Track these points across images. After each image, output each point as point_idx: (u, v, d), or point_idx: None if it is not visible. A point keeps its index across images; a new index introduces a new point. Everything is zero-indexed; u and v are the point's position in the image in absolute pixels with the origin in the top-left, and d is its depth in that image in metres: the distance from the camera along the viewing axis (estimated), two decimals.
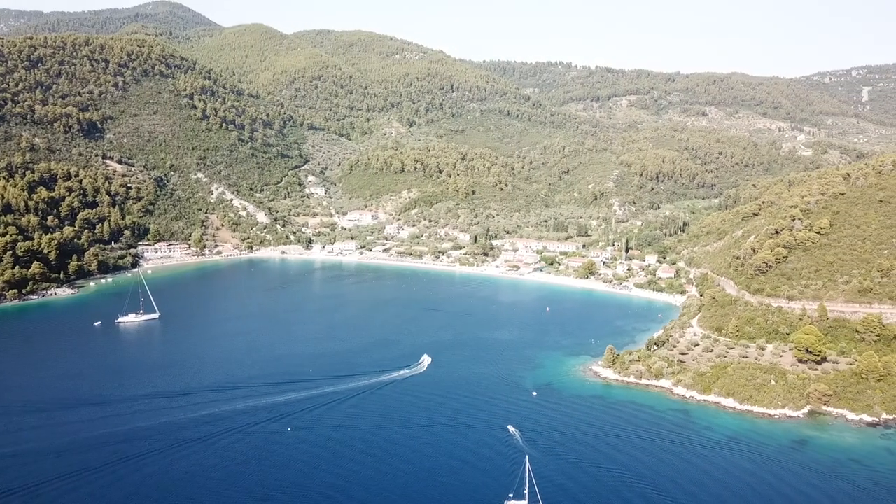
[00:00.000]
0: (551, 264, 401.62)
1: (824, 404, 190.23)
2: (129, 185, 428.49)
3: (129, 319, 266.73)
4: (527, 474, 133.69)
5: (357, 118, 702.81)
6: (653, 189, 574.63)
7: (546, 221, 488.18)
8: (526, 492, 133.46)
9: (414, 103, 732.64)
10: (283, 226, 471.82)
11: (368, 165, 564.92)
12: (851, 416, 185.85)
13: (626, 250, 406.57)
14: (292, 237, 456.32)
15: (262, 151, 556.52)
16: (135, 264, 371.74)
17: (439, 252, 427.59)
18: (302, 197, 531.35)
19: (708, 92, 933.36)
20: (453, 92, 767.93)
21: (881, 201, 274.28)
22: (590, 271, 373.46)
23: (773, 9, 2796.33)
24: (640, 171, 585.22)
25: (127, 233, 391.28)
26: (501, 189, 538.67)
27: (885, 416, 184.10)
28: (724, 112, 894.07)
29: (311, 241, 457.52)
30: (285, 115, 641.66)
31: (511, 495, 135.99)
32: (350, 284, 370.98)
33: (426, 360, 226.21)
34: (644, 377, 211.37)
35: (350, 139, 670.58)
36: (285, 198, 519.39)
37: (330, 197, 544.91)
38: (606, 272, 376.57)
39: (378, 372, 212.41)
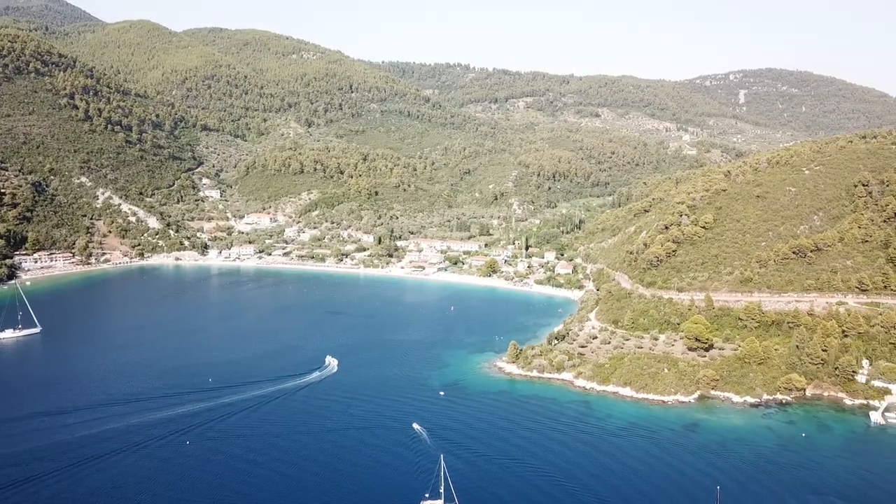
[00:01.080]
0: (455, 263, 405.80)
1: (712, 389, 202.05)
2: (2, 190, 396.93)
3: (6, 335, 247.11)
4: (442, 473, 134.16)
5: (253, 119, 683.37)
6: (550, 188, 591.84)
7: (449, 221, 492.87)
8: (442, 491, 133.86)
9: (312, 103, 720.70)
10: (177, 231, 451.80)
11: (266, 167, 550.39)
12: (737, 398, 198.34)
13: (526, 248, 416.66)
14: (187, 243, 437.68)
15: (151, 154, 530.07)
16: (11, 276, 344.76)
17: (342, 254, 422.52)
18: (196, 201, 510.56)
19: (600, 94, 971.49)
20: (352, 92, 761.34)
21: (758, 197, 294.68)
22: (492, 269, 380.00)
23: (659, 14, 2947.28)
24: (538, 172, 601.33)
25: (1, 242, 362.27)
26: (404, 190, 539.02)
27: (766, 396, 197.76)
28: (616, 113, 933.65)
29: (206, 247, 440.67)
30: (176, 115, 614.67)
31: (427, 495, 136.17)
32: (250, 290, 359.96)
33: (332, 364, 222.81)
34: (546, 371, 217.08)
35: (246, 140, 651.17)
36: (178, 202, 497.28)
37: (226, 200, 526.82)
38: (508, 270, 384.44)
39: (282, 378, 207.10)
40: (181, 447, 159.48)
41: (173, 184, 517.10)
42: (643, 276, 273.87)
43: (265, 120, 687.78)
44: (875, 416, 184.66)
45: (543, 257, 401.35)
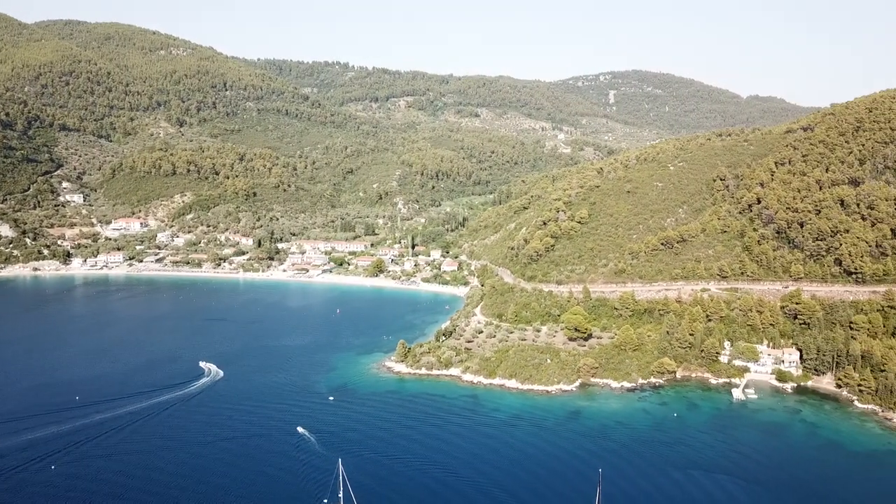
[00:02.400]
0: (341, 265, 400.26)
1: (592, 376, 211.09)
2: None
3: None
4: (341, 477, 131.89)
5: (119, 118, 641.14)
6: (433, 187, 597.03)
7: (333, 222, 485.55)
8: (341, 496, 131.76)
9: (184, 102, 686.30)
10: (34, 239, 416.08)
11: (134, 169, 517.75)
12: (615, 384, 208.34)
13: (412, 247, 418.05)
14: (46, 251, 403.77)
15: (1, 156, 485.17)
16: None
17: (220, 259, 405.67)
18: (56, 206, 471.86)
19: (479, 94, 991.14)
20: (227, 90, 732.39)
21: (629, 192, 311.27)
22: (379, 269, 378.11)
23: (533, 16, 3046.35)
24: (421, 171, 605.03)
25: None
26: (284, 190, 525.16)
27: (640, 381, 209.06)
28: (495, 113, 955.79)
29: (69, 255, 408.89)
30: (30, 114, 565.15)
31: (325, 501, 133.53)
32: (120, 300, 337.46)
33: (213, 373, 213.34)
34: (435, 368, 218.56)
35: (112, 141, 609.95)
36: (35, 207, 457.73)
37: (90, 205, 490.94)
38: (395, 269, 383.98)
39: (159, 391, 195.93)
40: (41, 473, 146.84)
41: (28, 188, 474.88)
42: (524, 271, 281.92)
43: (132, 119, 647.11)
44: (737, 393, 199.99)
45: (429, 255, 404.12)
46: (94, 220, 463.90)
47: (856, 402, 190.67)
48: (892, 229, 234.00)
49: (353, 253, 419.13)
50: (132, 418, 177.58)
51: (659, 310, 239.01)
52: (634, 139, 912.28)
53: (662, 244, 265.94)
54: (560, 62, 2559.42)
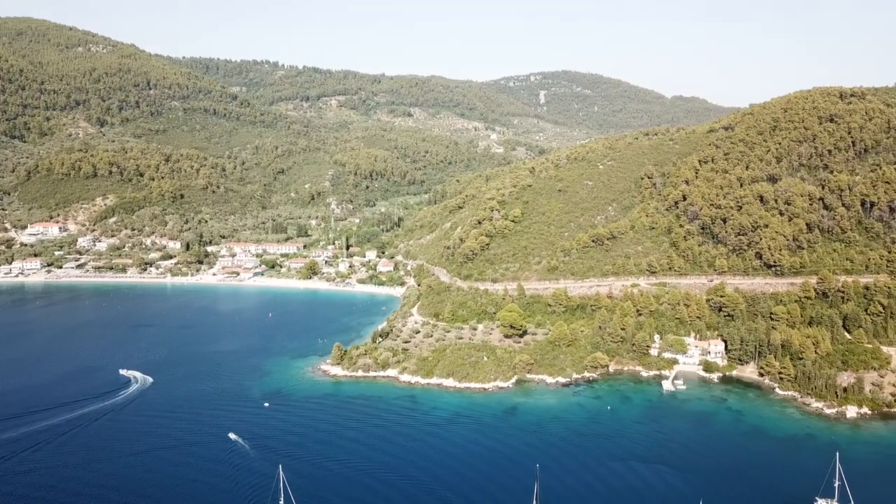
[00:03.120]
0: (273, 267, 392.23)
1: (528, 372, 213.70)
2: None
3: None
4: (282, 484, 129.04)
5: (34, 118, 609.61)
6: (368, 187, 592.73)
7: (264, 223, 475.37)
8: (282, 502, 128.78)
9: (104, 101, 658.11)
10: None
11: (52, 171, 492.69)
12: (550, 379, 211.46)
13: (347, 248, 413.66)
14: None
15: None
16: None
17: (146, 263, 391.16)
18: None
19: (411, 94, 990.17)
20: (151, 89, 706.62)
21: (560, 191, 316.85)
22: (312, 271, 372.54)
23: (463, 16, 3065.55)
24: (355, 170, 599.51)
25: None
26: (213, 191, 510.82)
27: (575, 375, 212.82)
28: (428, 113, 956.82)
29: None
30: None
31: None
32: (38, 308, 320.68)
33: (140, 382, 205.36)
34: (372, 369, 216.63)
35: (26, 141, 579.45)
36: None
37: (3, 209, 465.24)
38: (329, 271, 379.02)
39: (81, 403, 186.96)
40: None
41: None
42: (460, 270, 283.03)
43: (48, 119, 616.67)
44: (666, 385, 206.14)
45: (365, 256, 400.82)
46: (8, 225, 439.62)
47: (777, 390, 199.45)
48: (807, 224, 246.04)
49: (285, 255, 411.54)
50: (56, 432, 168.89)
51: (591, 305, 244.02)
52: (565, 139, 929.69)
53: (593, 241, 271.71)
54: (491, 62, 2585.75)
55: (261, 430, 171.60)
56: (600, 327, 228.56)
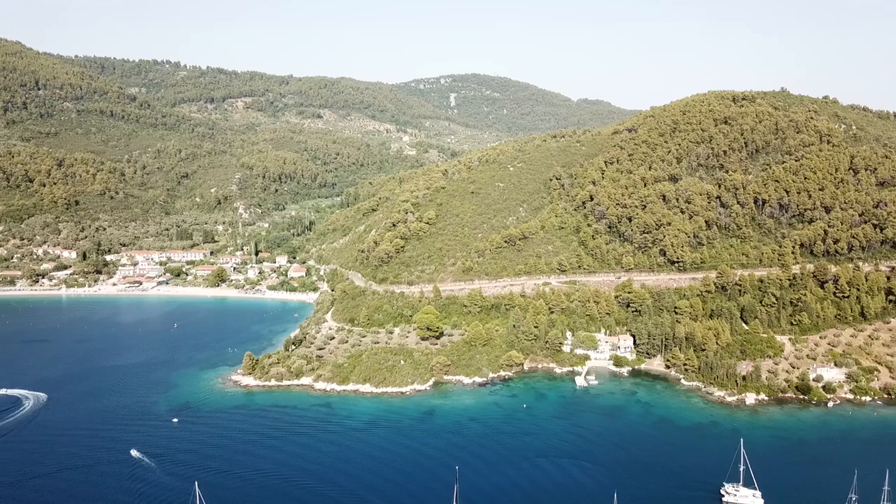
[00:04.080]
0: (178, 275, 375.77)
1: (445, 374, 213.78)
2: None
3: None
4: (198, 499, 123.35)
5: None
6: (277, 191, 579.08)
7: (168, 230, 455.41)
8: None
9: None
10: None
11: None
12: (467, 380, 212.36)
13: (256, 253, 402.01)
14: None
15: None
16: None
17: (38, 274, 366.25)
18: None
19: (321, 95, 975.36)
20: (40, 89, 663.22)
21: (473, 192, 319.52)
22: (220, 279, 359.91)
23: (372, 16, 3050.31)
24: (263, 174, 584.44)
25: None
26: (112, 197, 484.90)
27: (491, 375, 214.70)
28: (338, 115, 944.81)
29: None
30: None
31: None
32: None
33: (34, 400, 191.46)
34: (285, 378, 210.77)
35: None
36: None
37: None
38: (238, 278, 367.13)
39: None
40: None
41: None
42: (375, 273, 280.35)
43: None
44: (579, 381, 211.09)
45: (275, 262, 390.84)
46: None
47: (682, 381, 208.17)
48: (706, 221, 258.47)
49: (191, 262, 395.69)
50: None
51: (505, 305, 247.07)
52: (476, 141, 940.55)
53: (506, 242, 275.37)
54: (401, 64, 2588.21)
55: (171, 445, 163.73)
56: (514, 326, 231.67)
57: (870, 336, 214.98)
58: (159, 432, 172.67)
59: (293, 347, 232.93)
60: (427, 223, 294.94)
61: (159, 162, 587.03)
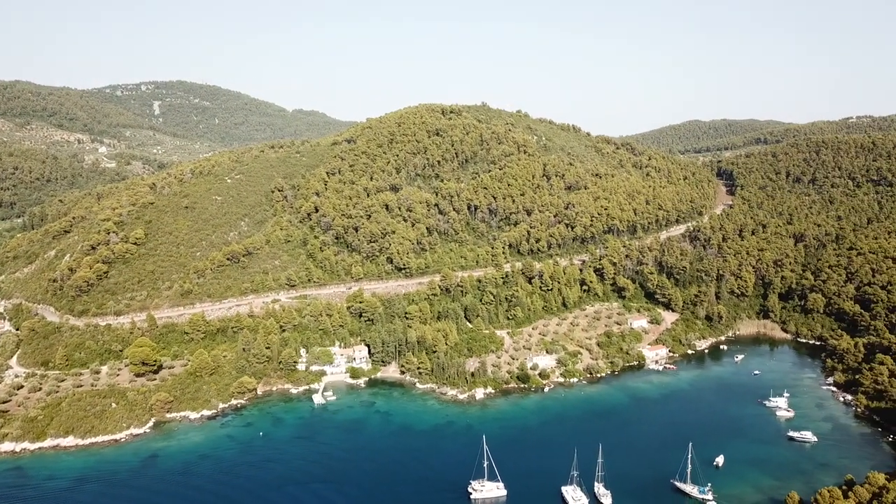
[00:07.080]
0: None
1: (168, 412, 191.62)
2: None
3: None
4: None
5: None
6: None
7: None
8: None
9: None
10: None
11: None
12: (194, 415, 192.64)
13: None
14: None
15: None
16: None
17: None
18: None
19: None
20: None
21: (187, 207, 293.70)
22: None
23: (57, 16, 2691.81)
24: None
25: None
26: None
27: (221, 405, 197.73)
28: (15, 123, 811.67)
29: None
30: None
31: None
32: None
33: None
34: None
35: None
36: None
37: None
38: None
39: None
40: None
41: None
42: (73, 305, 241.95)
43: None
44: (317, 398, 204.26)
45: None
46: None
47: (417, 384, 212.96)
48: (427, 228, 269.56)
49: None
50: None
51: (232, 327, 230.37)
52: (186, 152, 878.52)
53: (228, 259, 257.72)
54: (92, 69, 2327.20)
55: None
56: (244, 349, 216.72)
57: (571, 323, 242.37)
58: None
59: None
60: (135, 243, 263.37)
61: None
